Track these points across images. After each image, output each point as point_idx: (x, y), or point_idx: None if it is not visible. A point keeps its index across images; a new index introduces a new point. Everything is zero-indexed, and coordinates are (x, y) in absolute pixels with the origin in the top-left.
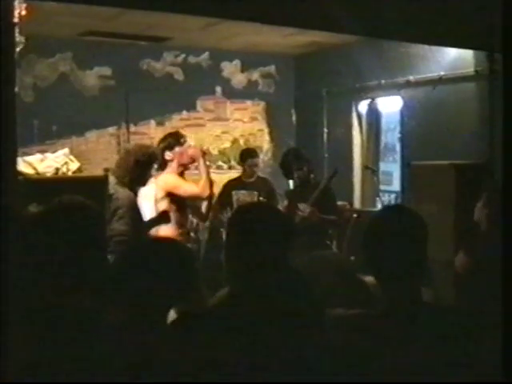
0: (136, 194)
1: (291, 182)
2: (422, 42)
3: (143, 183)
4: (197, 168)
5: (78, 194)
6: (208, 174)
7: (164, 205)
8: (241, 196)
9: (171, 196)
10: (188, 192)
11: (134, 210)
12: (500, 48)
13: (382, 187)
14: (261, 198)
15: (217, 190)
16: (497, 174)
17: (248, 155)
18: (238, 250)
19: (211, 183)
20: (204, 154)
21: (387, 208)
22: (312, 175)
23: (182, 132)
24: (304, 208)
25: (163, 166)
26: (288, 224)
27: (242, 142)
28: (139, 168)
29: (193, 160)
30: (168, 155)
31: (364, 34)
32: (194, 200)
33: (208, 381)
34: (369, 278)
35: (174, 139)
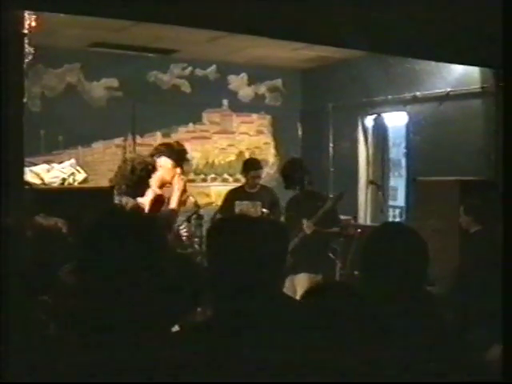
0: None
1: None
2: (429, 59)
3: (141, 192)
4: None
5: (84, 205)
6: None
7: None
8: (244, 207)
9: None
10: None
11: None
12: (500, 63)
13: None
14: (264, 210)
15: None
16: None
17: (251, 166)
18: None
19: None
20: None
21: (386, 225)
22: (310, 187)
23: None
24: (307, 226)
25: None
26: (282, 237)
27: (247, 155)
28: (136, 176)
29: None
30: None
31: (371, 50)
32: None
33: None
34: None
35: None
